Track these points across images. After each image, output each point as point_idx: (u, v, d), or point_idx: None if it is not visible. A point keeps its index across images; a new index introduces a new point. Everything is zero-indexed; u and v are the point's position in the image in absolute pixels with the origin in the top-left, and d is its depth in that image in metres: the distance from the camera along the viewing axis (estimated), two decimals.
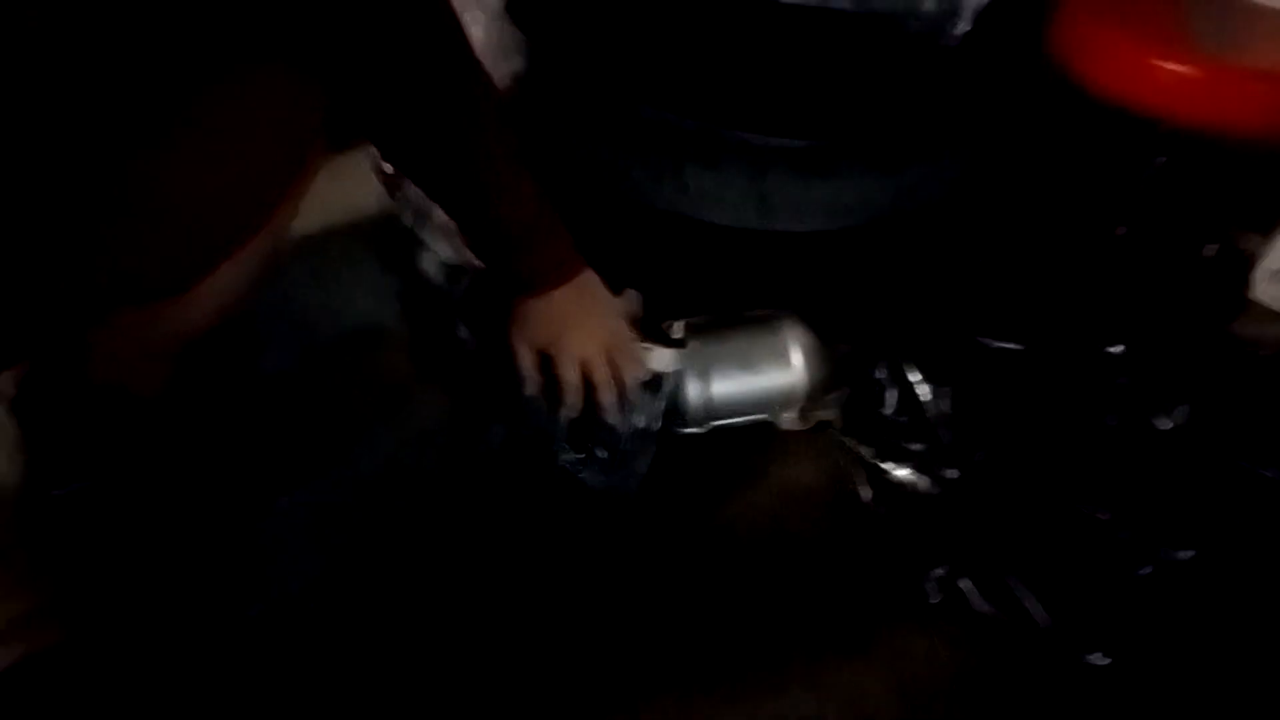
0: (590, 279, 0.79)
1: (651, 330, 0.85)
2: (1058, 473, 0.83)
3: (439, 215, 0.99)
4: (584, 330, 0.78)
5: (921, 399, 0.87)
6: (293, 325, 0.99)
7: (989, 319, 0.90)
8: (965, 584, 0.78)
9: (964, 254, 1.00)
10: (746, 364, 0.89)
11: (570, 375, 0.79)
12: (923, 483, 0.86)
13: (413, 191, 1.00)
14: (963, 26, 0.88)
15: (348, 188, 1.14)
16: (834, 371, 0.91)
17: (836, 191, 1.00)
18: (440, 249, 0.98)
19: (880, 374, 0.90)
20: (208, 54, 0.62)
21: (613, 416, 0.81)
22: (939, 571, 0.79)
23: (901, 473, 0.87)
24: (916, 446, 0.87)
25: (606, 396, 0.80)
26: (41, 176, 0.56)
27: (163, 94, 0.60)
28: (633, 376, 0.81)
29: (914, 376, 0.88)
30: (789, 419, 0.92)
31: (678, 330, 0.88)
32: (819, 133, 0.98)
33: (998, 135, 1.05)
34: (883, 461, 0.87)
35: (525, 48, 1.04)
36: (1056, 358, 0.87)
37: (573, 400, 0.80)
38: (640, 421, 0.83)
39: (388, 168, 1.10)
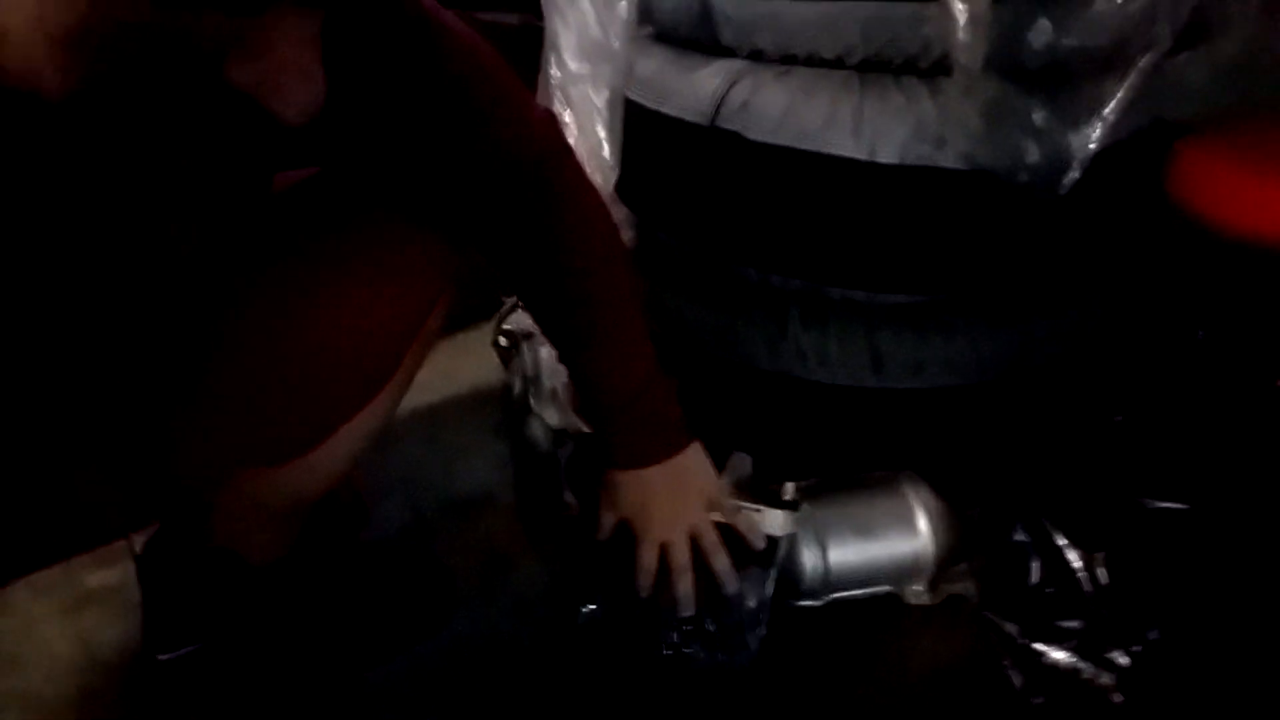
0: (689, 460, 0.76)
1: (761, 493, 0.80)
2: (1256, 654, 0.69)
3: (548, 383, 1.01)
4: (667, 513, 0.75)
5: (1073, 567, 0.77)
6: (403, 493, 1.00)
7: (1141, 476, 0.81)
8: None
9: (1107, 409, 0.91)
10: (866, 530, 0.82)
11: (646, 559, 0.75)
12: (1087, 668, 0.74)
13: (525, 361, 1.03)
14: (1073, 175, 0.86)
15: (466, 364, 1.19)
16: (965, 537, 0.82)
17: (954, 347, 0.95)
18: (548, 414, 0.99)
19: (1020, 538, 0.80)
20: (337, 215, 0.67)
21: (685, 608, 0.75)
22: None
23: (1059, 655, 0.75)
24: (1073, 624, 0.76)
25: (681, 584, 0.75)
26: (165, 336, 0.61)
27: (289, 250, 0.65)
28: (721, 562, 0.76)
29: (1060, 541, 0.78)
30: (917, 591, 0.83)
31: (789, 492, 0.83)
32: (932, 288, 0.95)
33: (1129, 284, 0.99)
34: (1033, 642, 0.76)
35: (634, 222, 1.09)
36: (1231, 517, 0.76)
37: (645, 584, 0.76)
38: (752, 594, 0.77)
39: (503, 340, 1.14)
